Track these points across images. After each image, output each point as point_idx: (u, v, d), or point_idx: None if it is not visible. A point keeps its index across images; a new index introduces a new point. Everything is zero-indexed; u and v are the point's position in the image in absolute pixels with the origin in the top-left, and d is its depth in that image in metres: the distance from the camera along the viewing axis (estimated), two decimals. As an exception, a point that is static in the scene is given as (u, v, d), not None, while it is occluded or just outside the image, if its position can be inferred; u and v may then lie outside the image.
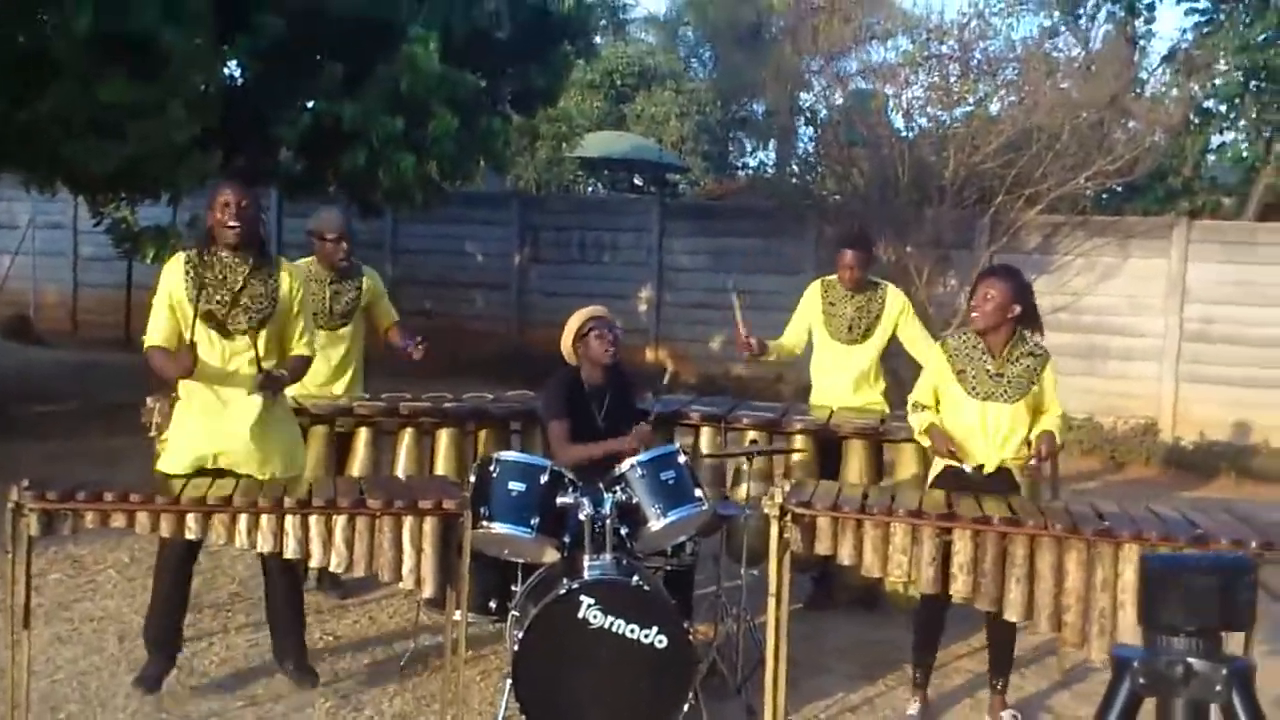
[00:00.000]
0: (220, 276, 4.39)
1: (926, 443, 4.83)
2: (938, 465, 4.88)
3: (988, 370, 4.74)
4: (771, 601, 4.29)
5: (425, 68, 8.31)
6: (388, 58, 8.50)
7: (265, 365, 4.42)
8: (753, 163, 25.34)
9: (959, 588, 4.18)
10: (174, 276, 4.40)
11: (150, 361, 4.42)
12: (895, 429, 5.70)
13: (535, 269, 14.12)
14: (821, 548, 4.28)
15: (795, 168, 14.98)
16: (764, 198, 14.73)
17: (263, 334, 4.41)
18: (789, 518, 4.25)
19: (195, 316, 4.32)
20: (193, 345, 4.28)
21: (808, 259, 12.57)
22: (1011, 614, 4.15)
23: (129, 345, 14.57)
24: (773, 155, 24.32)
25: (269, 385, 4.38)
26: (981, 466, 4.70)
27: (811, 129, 13.79)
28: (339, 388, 5.93)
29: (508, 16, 9.08)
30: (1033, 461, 4.69)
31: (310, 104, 8.81)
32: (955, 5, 33.73)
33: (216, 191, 4.41)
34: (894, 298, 6.09)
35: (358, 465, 5.67)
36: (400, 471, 5.69)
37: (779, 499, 4.27)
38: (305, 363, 4.61)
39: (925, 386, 4.88)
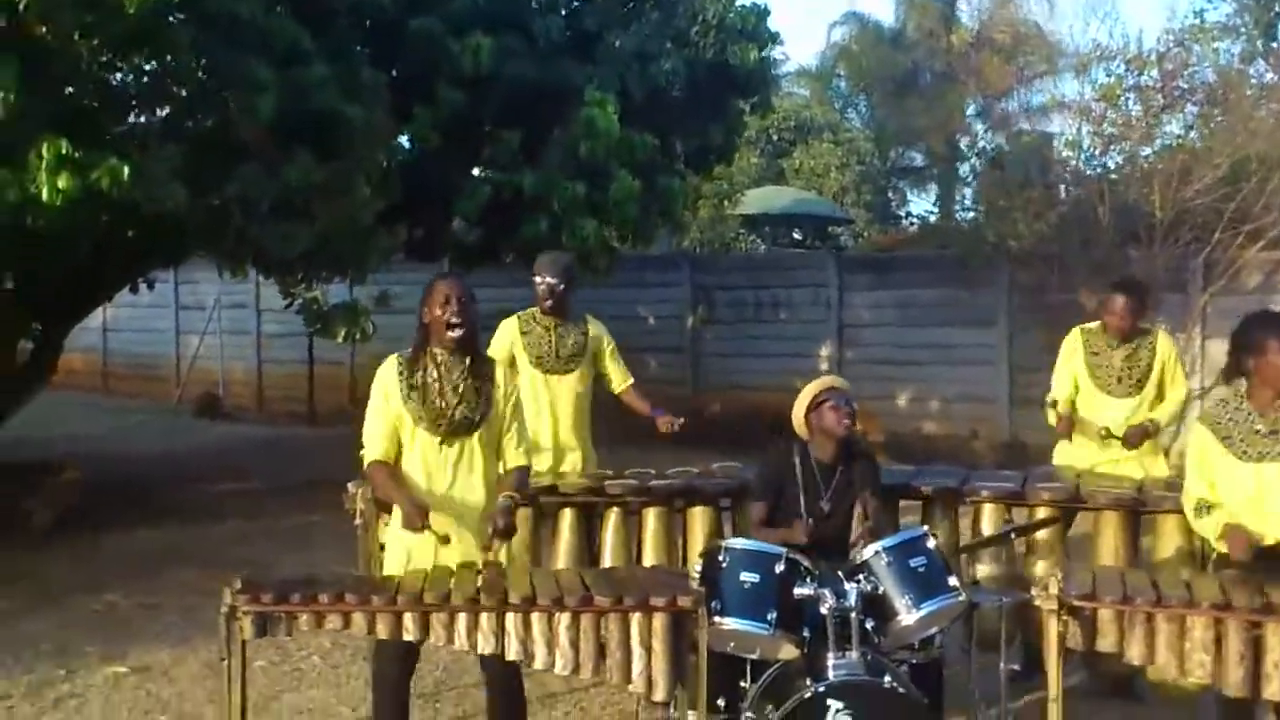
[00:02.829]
0: (436, 377, 4.14)
1: (1223, 548, 4.21)
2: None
3: (1257, 430, 4.16)
4: (1052, 708, 3.77)
5: (605, 130, 8.08)
6: (564, 123, 8.30)
7: (479, 469, 4.18)
8: (915, 210, 24.79)
9: (1274, 690, 3.61)
10: (388, 380, 4.16)
11: (371, 479, 4.22)
12: (1157, 499, 5.09)
13: (709, 330, 13.76)
14: (1105, 644, 3.78)
15: (976, 212, 14.39)
16: (939, 246, 14.14)
17: (477, 436, 4.14)
18: (1067, 610, 3.74)
19: (413, 421, 4.10)
20: (425, 510, 4.01)
21: (1000, 308, 11.93)
22: (1342, 718, 3.55)
23: (313, 420, 14.81)
24: (937, 201, 23.80)
25: (506, 525, 4.04)
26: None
27: (997, 170, 13.13)
28: (572, 451, 5.76)
29: (684, 74, 8.80)
30: None
31: (487, 174, 8.67)
32: (1151, 35, 32.45)
33: (433, 287, 4.16)
34: (1165, 343, 5.65)
35: (563, 547, 5.35)
36: (607, 553, 5.35)
37: (1055, 589, 3.76)
38: (525, 473, 4.29)
39: (1198, 478, 4.26)
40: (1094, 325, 5.71)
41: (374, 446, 4.15)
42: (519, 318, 5.82)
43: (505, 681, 4.28)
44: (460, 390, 4.12)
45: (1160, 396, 5.64)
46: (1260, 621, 3.61)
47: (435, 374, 4.13)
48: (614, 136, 8.30)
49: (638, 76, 8.78)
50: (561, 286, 5.76)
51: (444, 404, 4.11)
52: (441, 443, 4.11)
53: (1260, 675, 3.61)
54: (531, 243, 8.65)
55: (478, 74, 8.14)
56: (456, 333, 4.10)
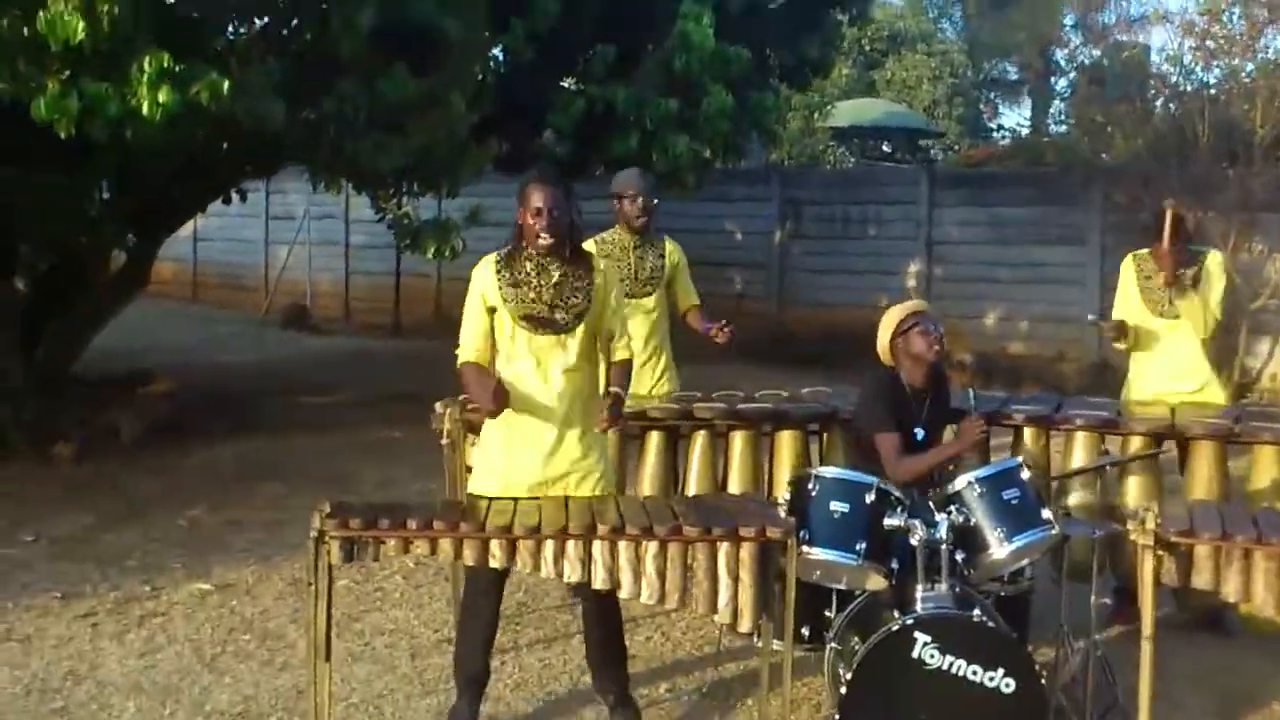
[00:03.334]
0: (534, 273, 4.12)
1: None
2: None
3: None
4: (1145, 646, 3.73)
5: (700, 44, 7.95)
6: (659, 36, 8.17)
7: (582, 366, 4.16)
8: (1007, 124, 24.24)
9: (1370, 629, 3.56)
10: (485, 280, 4.14)
11: (462, 380, 4.18)
12: (1254, 429, 4.99)
13: (796, 246, 13.61)
14: (1200, 581, 3.73)
15: (1069, 127, 14.04)
16: (1031, 161, 13.83)
17: (577, 332, 4.12)
18: (1163, 546, 3.69)
19: (511, 320, 4.08)
20: (502, 386, 3.98)
21: (1092, 226, 11.66)
22: None
23: (398, 333, 14.96)
24: (1030, 116, 23.18)
25: (617, 409, 4.05)
26: None
27: (1094, 85, 12.77)
28: (650, 374, 5.72)
29: (782, -15, 8.64)
30: None
31: (580, 87, 8.59)
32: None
33: (526, 191, 4.11)
34: (1214, 264, 5.55)
35: (648, 470, 5.35)
36: (693, 476, 5.33)
37: (1152, 524, 3.70)
38: (629, 366, 4.27)
39: None
40: (1146, 251, 5.61)
41: (468, 347, 4.15)
42: (597, 241, 5.71)
43: (602, 615, 4.28)
44: (558, 286, 4.10)
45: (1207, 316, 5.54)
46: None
47: (533, 271, 4.11)
48: (708, 50, 8.19)
49: (735, -12, 8.63)
50: (655, 202, 5.74)
51: (542, 300, 4.09)
52: (542, 340, 4.09)
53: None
54: (623, 158, 8.58)
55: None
56: (544, 242, 4.05)
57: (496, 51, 8.84)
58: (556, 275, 4.11)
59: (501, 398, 3.96)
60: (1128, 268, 5.67)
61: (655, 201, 5.74)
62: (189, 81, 5.72)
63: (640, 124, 8.35)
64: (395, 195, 8.32)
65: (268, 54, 6.34)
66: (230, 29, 7.03)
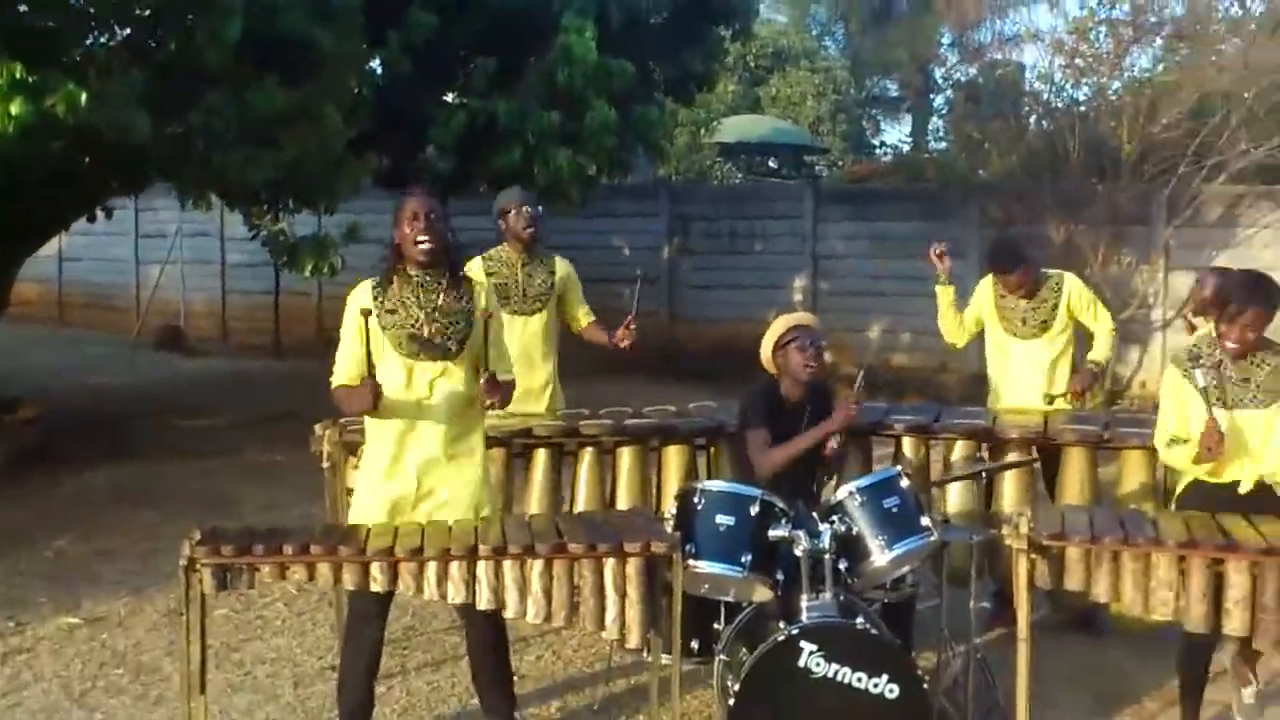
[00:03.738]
0: (413, 297, 3.99)
1: (1198, 470, 4.24)
2: (1186, 479, 4.36)
3: (1230, 376, 4.20)
4: (1022, 648, 3.78)
5: (583, 57, 7.92)
6: (542, 50, 8.13)
7: (463, 390, 4.03)
8: (889, 140, 24.71)
9: (1234, 625, 3.67)
10: (362, 304, 3.99)
11: (336, 401, 4.06)
12: (1123, 435, 5.15)
13: (685, 261, 13.66)
14: (1072, 582, 3.80)
15: (948, 143, 14.37)
16: (912, 177, 14.11)
17: (458, 358, 4.01)
18: (1036, 550, 3.75)
19: (391, 346, 3.96)
20: (374, 381, 3.87)
21: (971, 242, 11.90)
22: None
23: (278, 353, 14.61)
24: (911, 132, 23.66)
25: (497, 390, 3.91)
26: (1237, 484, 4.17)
27: (970, 102, 13.08)
28: (539, 393, 5.65)
29: (665, 0, 8.66)
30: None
31: (461, 102, 8.50)
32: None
33: (401, 205, 4.01)
34: (1071, 283, 5.74)
35: (535, 489, 5.29)
36: (581, 493, 5.30)
37: (1025, 528, 3.76)
38: (511, 386, 4.12)
39: (1173, 416, 4.30)
40: None
41: (341, 372, 4.02)
42: (484, 258, 5.66)
43: (487, 639, 4.20)
44: (438, 311, 3.99)
45: (1068, 336, 5.71)
46: (1222, 559, 3.66)
47: (411, 296, 3.99)
48: (591, 64, 8.17)
49: (616, 2, 8.61)
50: (540, 209, 5.69)
51: (422, 326, 3.97)
52: (423, 365, 3.98)
53: (1221, 611, 3.67)
54: (505, 172, 8.51)
55: (457, -4, 7.99)
56: (424, 248, 3.94)
57: (375, 65, 8.69)
58: (438, 299, 4.00)
59: (377, 390, 3.84)
60: (984, 287, 5.85)
61: (540, 209, 5.69)
62: (43, 92, 5.49)
63: (523, 138, 8.29)
64: (269, 211, 8.10)
65: (130, 65, 6.11)
66: (89, 39, 6.76)
